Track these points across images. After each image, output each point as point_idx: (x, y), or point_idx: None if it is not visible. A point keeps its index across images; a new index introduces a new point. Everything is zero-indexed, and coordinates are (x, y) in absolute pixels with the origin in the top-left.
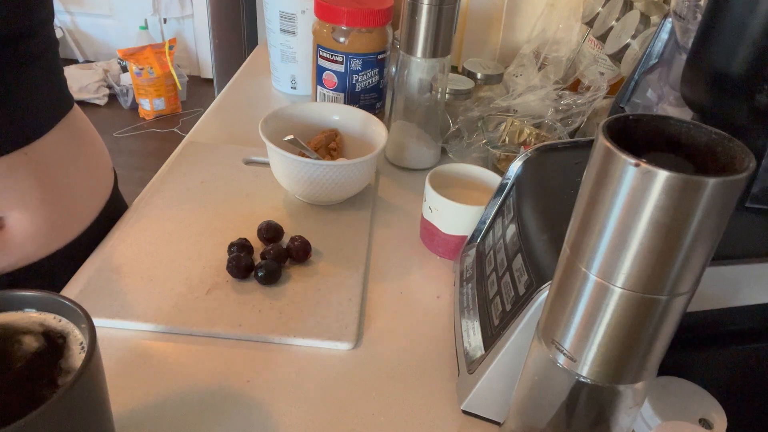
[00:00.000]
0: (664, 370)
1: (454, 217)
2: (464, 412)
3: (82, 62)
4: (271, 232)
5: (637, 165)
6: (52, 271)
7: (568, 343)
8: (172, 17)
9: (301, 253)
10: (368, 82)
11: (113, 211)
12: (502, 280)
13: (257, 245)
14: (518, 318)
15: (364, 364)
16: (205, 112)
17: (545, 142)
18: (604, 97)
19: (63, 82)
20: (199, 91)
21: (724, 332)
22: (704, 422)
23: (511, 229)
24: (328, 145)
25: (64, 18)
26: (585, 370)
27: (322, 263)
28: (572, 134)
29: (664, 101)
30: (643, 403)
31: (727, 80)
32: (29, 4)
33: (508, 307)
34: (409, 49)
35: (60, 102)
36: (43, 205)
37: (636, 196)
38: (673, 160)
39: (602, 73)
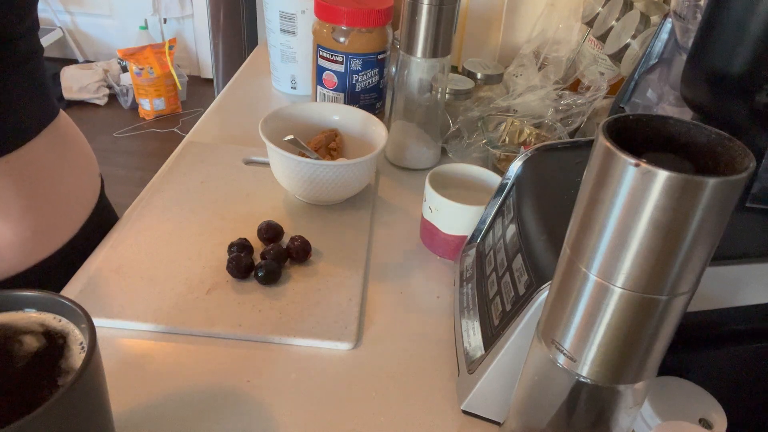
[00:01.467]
0: (664, 370)
1: (454, 217)
2: (464, 412)
3: (82, 62)
4: (271, 232)
5: (637, 165)
6: (39, 281)
7: (568, 343)
8: (172, 17)
9: (301, 253)
10: (368, 82)
11: (100, 217)
12: (502, 280)
13: (257, 245)
14: (518, 318)
15: (364, 364)
16: (205, 112)
17: (545, 142)
18: (604, 97)
19: (48, 89)
20: (199, 91)
21: (724, 332)
22: (704, 422)
23: (511, 229)
24: (328, 145)
25: (64, 18)
26: (585, 370)
27: (322, 263)
28: (572, 134)
29: (664, 101)
30: (643, 403)
31: (727, 80)
32: (10, 15)
33: (508, 307)
34: (409, 49)
35: (44, 110)
36: (27, 214)
37: (636, 196)
38: (673, 160)
39: (602, 73)
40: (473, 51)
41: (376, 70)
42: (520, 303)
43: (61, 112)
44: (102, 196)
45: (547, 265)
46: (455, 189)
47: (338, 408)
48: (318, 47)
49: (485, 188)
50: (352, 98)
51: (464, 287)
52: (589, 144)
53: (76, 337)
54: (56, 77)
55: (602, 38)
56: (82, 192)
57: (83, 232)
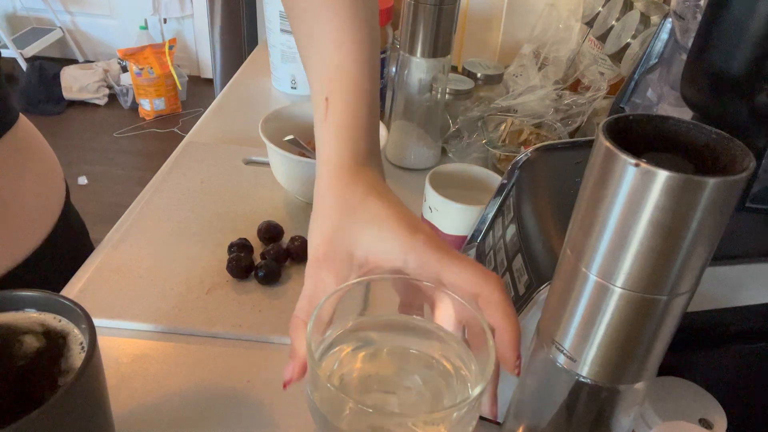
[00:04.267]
0: (664, 370)
1: (454, 217)
2: None
3: (82, 62)
4: (271, 232)
5: (637, 165)
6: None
7: (568, 343)
8: (172, 17)
9: (301, 253)
10: None
11: (66, 226)
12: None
13: (257, 245)
14: (518, 318)
15: None
16: (205, 112)
17: (545, 142)
18: (604, 97)
19: (6, 96)
20: (199, 91)
21: (724, 332)
22: (704, 422)
23: (511, 229)
24: None
25: (64, 18)
26: (585, 370)
27: None
28: (572, 134)
29: (664, 101)
30: (643, 403)
31: (727, 80)
32: None
33: None
34: (409, 49)
35: (1, 117)
36: None
37: (636, 196)
38: (673, 160)
39: (602, 73)
40: (473, 51)
41: None
42: (520, 303)
43: (21, 116)
44: (67, 204)
45: (547, 265)
46: (455, 189)
47: None
48: None
49: (485, 188)
50: None
51: None
52: (589, 144)
53: (76, 337)
54: (56, 77)
55: (602, 38)
56: (46, 201)
57: (48, 243)
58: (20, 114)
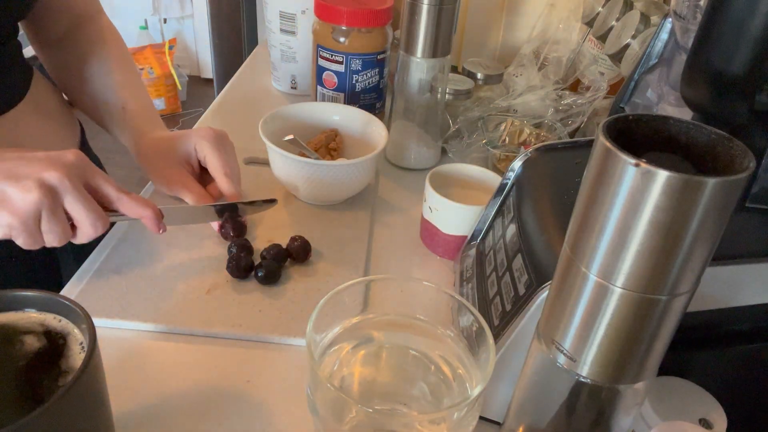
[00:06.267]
0: (664, 370)
1: (454, 217)
2: None
3: None
4: (238, 229)
5: (637, 165)
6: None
7: (568, 343)
8: (172, 17)
9: (301, 253)
10: (368, 82)
11: None
12: (502, 280)
13: (257, 246)
14: (518, 318)
15: None
16: (205, 112)
17: (545, 142)
18: (604, 97)
19: (23, 58)
20: (199, 91)
21: (724, 332)
22: (704, 422)
23: (511, 229)
24: (328, 145)
25: None
26: (585, 370)
27: (322, 263)
28: (572, 134)
29: (664, 101)
30: (643, 403)
31: (727, 80)
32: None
33: (508, 307)
34: (409, 49)
35: (24, 75)
36: None
37: (636, 196)
38: (673, 160)
39: (602, 73)
40: (473, 51)
41: (376, 70)
42: (520, 303)
43: (33, 69)
44: (83, 142)
45: (547, 265)
46: (455, 189)
47: None
48: (318, 47)
49: (485, 188)
50: (352, 98)
51: (464, 287)
52: (589, 144)
53: (76, 337)
54: None
55: (602, 38)
56: (64, 141)
57: None
58: (32, 66)
